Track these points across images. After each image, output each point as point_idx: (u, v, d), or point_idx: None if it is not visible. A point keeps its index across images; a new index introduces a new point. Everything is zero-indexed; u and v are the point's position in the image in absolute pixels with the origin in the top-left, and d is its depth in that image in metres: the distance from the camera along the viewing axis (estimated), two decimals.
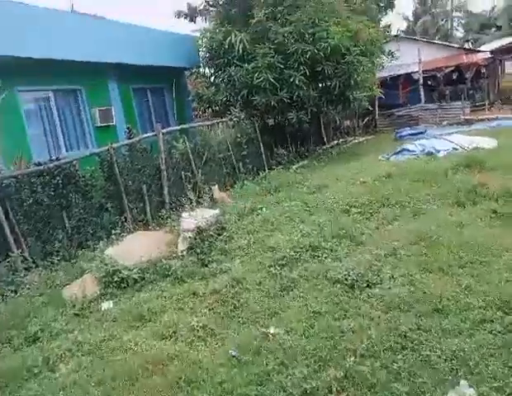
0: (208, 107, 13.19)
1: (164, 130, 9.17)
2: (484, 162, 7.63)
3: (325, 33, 11.25)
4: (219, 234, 6.25)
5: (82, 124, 10.85)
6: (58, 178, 7.26)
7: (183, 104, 14.48)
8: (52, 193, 7.20)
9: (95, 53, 10.09)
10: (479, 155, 8.30)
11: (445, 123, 16.89)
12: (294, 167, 12.22)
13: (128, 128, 8.74)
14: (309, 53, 11.18)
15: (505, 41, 24.54)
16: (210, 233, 6.09)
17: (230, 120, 11.42)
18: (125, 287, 5.29)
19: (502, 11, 43.15)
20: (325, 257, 5.06)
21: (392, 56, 15.56)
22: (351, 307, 4.00)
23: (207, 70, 13.83)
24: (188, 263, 5.49)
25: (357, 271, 4.48)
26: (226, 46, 11.86)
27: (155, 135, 9.12)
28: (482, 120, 16.90)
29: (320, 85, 12.63)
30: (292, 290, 4.46)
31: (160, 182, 9.04)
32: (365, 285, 4.29)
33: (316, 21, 11.37)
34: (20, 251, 6.58)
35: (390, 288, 4.18)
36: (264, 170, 12.06)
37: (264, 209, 7.17)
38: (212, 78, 13.49)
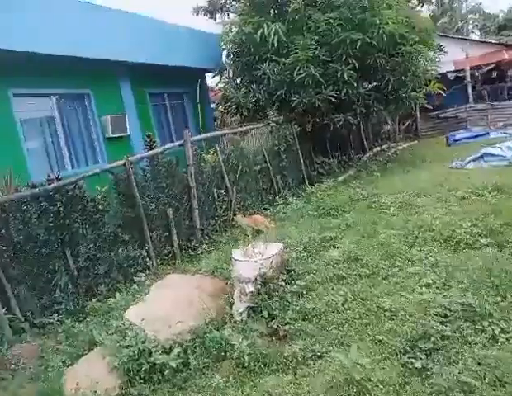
0: (236, 113, 11.31)
1: (195, 138, 7.28)
2: None
3: (378, 19, 9.37)
4: (289, 282, 4.25)
5: (91, 135, 9.06)
6: (59, 204, 5.46)
7: (204, 111, 12.68)
8: (51, 224, 5.43)
9: (105, 49, 8.32)
10: None
11: (501, 124, 14.79)
12: (339, 178, 10.30)
13: (148, 136, 6.87)
14: (359, 42, 9.30)
15: None
16: (279, 282, 4.09)
17: (267, 124, 9.51)
18: (159, 381, 3.30)
19: None
20: (497, 334, 3.01)
21: (441, 50, 13.58)
22: None
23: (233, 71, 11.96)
24: (255, 337, 3.49)
25: None
26: (258, 40, 10.06)
27: (181, 145, 7.25)
28: None
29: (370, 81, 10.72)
30: None
31: (189, 203, 7.14)
32: None
33: (366, 4, 9.49)
34: (5, 309, 4.73)
35: None
36: (304, 183, 10.15)
37: (346, 240, 5.06)
38: (239, 80, 11.65)
